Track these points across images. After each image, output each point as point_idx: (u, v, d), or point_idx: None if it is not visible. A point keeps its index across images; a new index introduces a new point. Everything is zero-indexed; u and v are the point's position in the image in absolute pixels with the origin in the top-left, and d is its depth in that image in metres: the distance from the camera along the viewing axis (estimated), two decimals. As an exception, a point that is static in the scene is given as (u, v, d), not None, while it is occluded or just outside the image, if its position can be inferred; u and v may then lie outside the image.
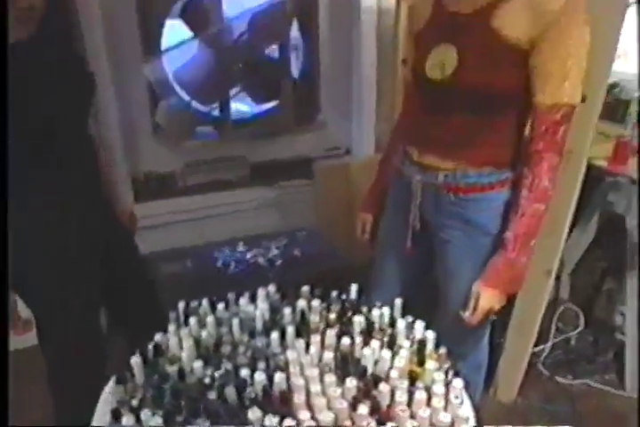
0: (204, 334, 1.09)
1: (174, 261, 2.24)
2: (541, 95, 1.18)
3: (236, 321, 1.10)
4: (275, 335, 1.08)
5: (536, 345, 2.09)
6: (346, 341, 1.08)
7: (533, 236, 1.25)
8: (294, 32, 2.40)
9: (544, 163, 1.21)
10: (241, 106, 2.47)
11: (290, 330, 1.09)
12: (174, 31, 2.26)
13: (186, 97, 2.20)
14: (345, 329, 1.14)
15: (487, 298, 1.28)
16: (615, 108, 2.32)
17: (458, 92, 1.24)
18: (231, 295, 1.22)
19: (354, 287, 1.27)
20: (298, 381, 0.97)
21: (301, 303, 1.19)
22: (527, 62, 1.17)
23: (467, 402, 1.01)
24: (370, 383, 0.99)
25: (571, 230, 1.90)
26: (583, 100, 1.22)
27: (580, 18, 1.12)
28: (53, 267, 1.30)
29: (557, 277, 2.13)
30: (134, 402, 0.97)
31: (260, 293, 1.23)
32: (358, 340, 1.10)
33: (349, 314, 1.18)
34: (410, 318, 1.20)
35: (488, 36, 1.17)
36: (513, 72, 1.18)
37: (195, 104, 2.20)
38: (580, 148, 1.54)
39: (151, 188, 2.38)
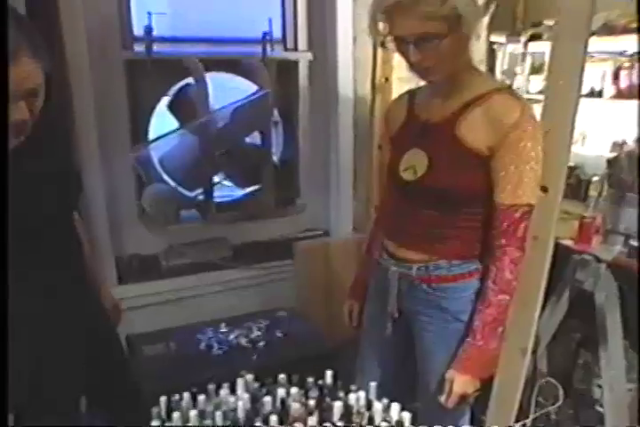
0: (188, 428, 1.10)
1: (158, 343, 2.23)
2: (501, 196, 1.28)
3: (219, 413, 1.11)
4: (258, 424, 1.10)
5: (517, 420, 2.07)
6: (327, 427, 1.09)
7: (500, 324, 1.32)
8: (275, 117, 2.53)
9: (506, 257, 1.30)
10: (225, 188, 2.55)
11: (273, 419, 1.10)
12: (161, 120, 2.38)
13: (171, 182, 2.27)
14: (325, 415, 1.16)
15: (460, 384, 1.34)
16: (577, 188, 2.44)
17: (428, 192, 1.35)
18: (211, 387, 1.23)
19: (329, 373, 1.29)
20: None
21: (280, 391, 1.21)
22: (488, 166, 1.28)
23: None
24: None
25: (544, 306, 1.95)
26: (545, 190, 1.31)
27: (534, 127, 1.23)
28: (35, 356, 1.29)
29: (534, 352, 2.15)
30: None
31: (239, 382, 1.25)
32: (340, 424, 1.12)
33: (328, 400, 1.20)
34: (385, 400, 1.22)
35: (453, 142, 1.29)
36: (476, 175, 1.30)
37: (180, 189, 2.27)
38: (545, 234, 1.61)
39: (135, 269, 2.41)
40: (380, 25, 1.28)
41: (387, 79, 2.38)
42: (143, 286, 2.39)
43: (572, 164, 2.45)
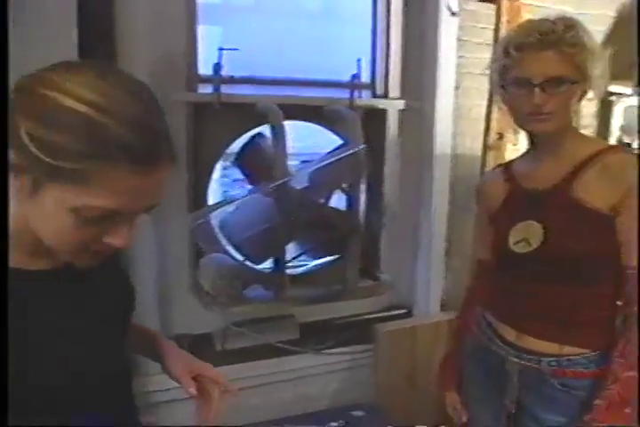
0: None
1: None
2: (631, 258, 1.11)
3: None
4: None
5: None
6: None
7: (627, 404, 1.11)
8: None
9: (637, 328, 1.10)
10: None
11: None
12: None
13: (235, 254, 1.76)
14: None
15: None
16: None
17: (549, 262, 1.18)
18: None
19: None
20: None
21: None
22: (613, 227, 1.13)
23: None
24: None
25: None
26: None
27: None
28: None
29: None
30: None
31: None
32: None
33: None
34: None
35: (571, 207, 1.15)
36: (601, 238, 1.14)
37: (246, 262, 1.75)
38: None
39: (183, 353, 1.88)
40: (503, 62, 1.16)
41: (501, 136, 1.88)
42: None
43: None
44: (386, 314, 2.09)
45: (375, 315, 2.08)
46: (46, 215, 0.67)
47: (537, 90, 1.09)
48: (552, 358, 1.18)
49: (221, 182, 2.16)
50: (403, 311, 2.11)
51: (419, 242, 2.06)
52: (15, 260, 0.74)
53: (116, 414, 0.96)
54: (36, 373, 0.76)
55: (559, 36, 1.08)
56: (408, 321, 2.05)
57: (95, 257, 0.74)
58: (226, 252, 1.77)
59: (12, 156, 0.64)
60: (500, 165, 1.43)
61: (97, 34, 1.52)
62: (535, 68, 1.10)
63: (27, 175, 0.65)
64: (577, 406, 1.17)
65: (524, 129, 1.23)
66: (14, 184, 0.66)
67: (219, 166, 2.05)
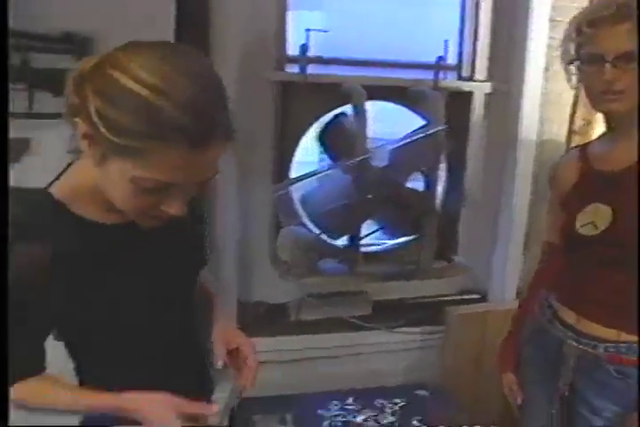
0: None
1: (272, 414, 1.76)
2: None
3: None
4: None
5: None
6: None
7: None
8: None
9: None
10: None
11: None
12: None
13: (312, 227, 1.82)
14: None
15: None
16: None
17: (614, 246, 1.14)
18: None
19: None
20: None
21: None
22: None
23: None
24: None
25: None
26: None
27: None
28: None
29: None
30: None
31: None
32: None
33: None
34: None
35: None
36: None
37: (323, 236, 1.82)
38: None
39: (258, 320, 1.97)
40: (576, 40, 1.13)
41: (589, 122, 1.81)
42: (265, 341, 1.94)
43: None
44: (459, 297, 2.09)
45: (449, 298, 2.09)
46: (111, 182, 0.75)
47: (608, 65, 1.05)
48: (610, 344, 1.16)
49: (320, 166, 2.20)
50: (477, 296, 2.10)
51: (498, 228, 2.03)
52: (93, 213, 0.84)
53: (185, 366, 1.05)
54: (106, 323, 0.86)
55: (636, 7, 1.02)
56: (481, 306, 2.04)
57: (156, 220, 0.80)
58: (304, 225, 1.84)
59: (83, 126, 0.71)
60: (576, 147, 1.39)
61: (193, 17, 1.62)
62: (608, 44, 1.05)
63: (96, 146, 0.72)
64: (633, 395, 1.14)
65: (598, 110, 1.19)
66: (88, 151, 0.74)
67: (316, 151, 2.10)
